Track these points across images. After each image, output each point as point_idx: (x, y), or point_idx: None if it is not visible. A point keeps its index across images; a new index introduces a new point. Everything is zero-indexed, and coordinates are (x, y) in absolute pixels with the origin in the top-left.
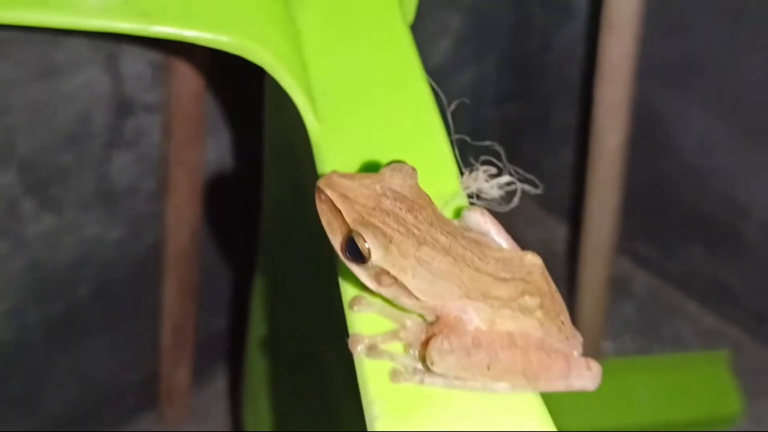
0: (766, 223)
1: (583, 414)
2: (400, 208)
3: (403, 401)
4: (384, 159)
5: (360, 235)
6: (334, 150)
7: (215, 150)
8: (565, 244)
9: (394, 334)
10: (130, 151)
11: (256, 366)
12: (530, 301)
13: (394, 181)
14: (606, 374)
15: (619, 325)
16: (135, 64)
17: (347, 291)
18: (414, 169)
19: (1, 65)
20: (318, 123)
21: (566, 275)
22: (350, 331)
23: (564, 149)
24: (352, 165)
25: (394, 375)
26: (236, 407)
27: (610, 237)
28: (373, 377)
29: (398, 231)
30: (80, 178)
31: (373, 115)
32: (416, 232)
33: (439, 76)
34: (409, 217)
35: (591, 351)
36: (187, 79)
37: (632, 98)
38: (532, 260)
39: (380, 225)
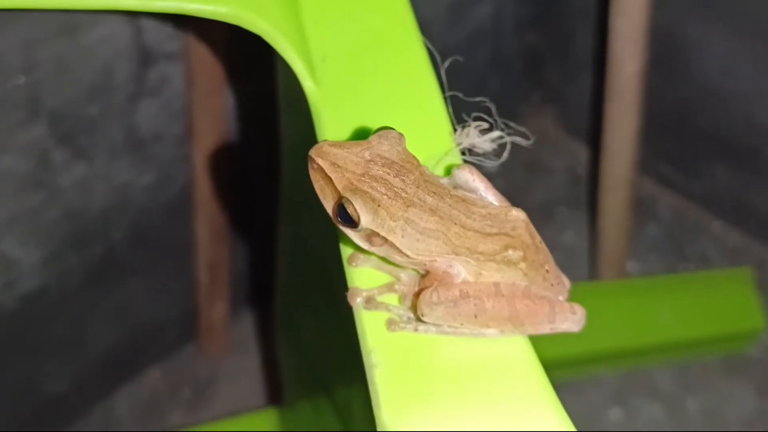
0: None
1: (606, 333)
2: (388, 173)
3: (400, 349)
4: (381, 120)
5: (349, 201)
6: (332, 113)
7: (238, 96)
8: (590, 168)
9: (389, 287)
10: (154, 99)
11: (287, 301)
12: (513, 254)
13: (382, 147)
14: (629, 293)
15: (644, 246)
16: (154, 15)
17: (345, 248)
18: (401, 135)
19: (24, 24)
20: (316, 87)
21: (589, 199)
22: (349, 285)
23: (586, 75)
24: (349, 127)
25: (390, 324)
26: (270, 339)
27: (630, 162)
28: (371, 327)
29: (386, 195)
30: (108, 128)
31: (370, 78)
32: (404, 194)
33: (459, 8)
34: (397, 181)
35: (615, 272)
36: (207, 27)
37: (649, 26)
38: (517, 215)
39: (369, 190)
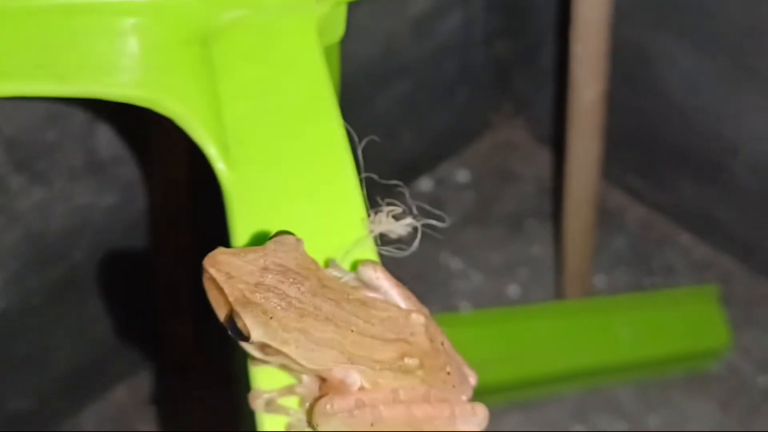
0: (752, 160)
1: (568, 352)
2: (283, 282)
3: None
4: (294, 208)
5: (239, 315)
6: (246, 197)
7: None
8: (559, 180)
9: (290, 389)
10: (113, 122)
11: None
12: (410, 362)
13: (278, 254)
14: (591, 312)
15: (611, 259)
16: None
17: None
18: (298, 240)
19: None
20: (230, 171)
21: (557, 212)
22: (251, 386)
23: (556, 84)
24: (263, 216)
25: (289, 428)
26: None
27: (593, 186)
28: (271, 429)
29: (279, 306)
30: (67, 152)
31: (285, 160)
32: (298, 304)
33: (426, 20)
34: (292, 290)
35: (579, 289)
36: None
37: (608, 52)
38: (416, 319)
39: (261, 302)
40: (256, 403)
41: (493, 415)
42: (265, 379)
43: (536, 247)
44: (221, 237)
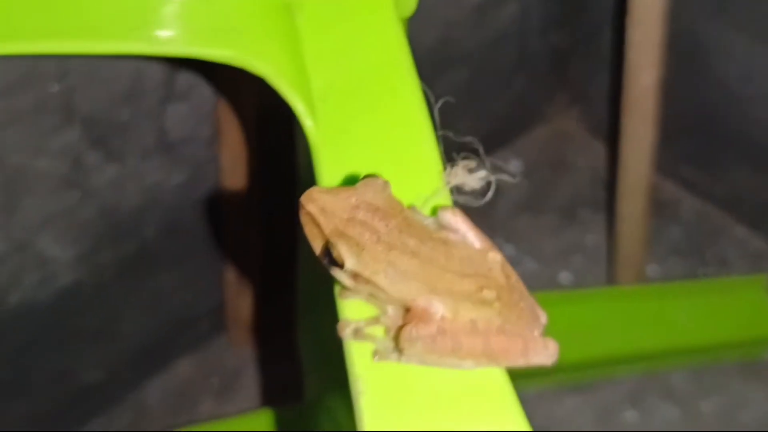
0: None
1: (623, 336)
2: (373, 218)
3: (384, 378)
4: (375, 159)
5: (335, 245)
6: (330, 151)
7: (265, 96)
8: (613, 170)
9: (376, 320)
10: (183, 103)
11: (305, 297)
12: (488, 294)
13: (367, 194)
14: (646, 297)
15: (665, 249)
16: None
17: (337, 284)
18: (386, 182)
19: None
20: (316, 128)
21: (611, 202)
22: (339, 317)
23: (611, 75)
24: (345, 164)
25: (376, 354)
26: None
27: (648, 171)
28: (359, 357)
29: (370, 239)
30: (139, 131)
31: (366, 117)
32: (386, 238)
33: (484, 9)
34: (381, 226)
35: (632, 276)
36: None
37: (665, 38)
38: (493, 257)
39: (353, 235)
40: (345, 332)
41: (548, 397)
42: (352, 310)
43: (589, 236)
44: (286, 215)
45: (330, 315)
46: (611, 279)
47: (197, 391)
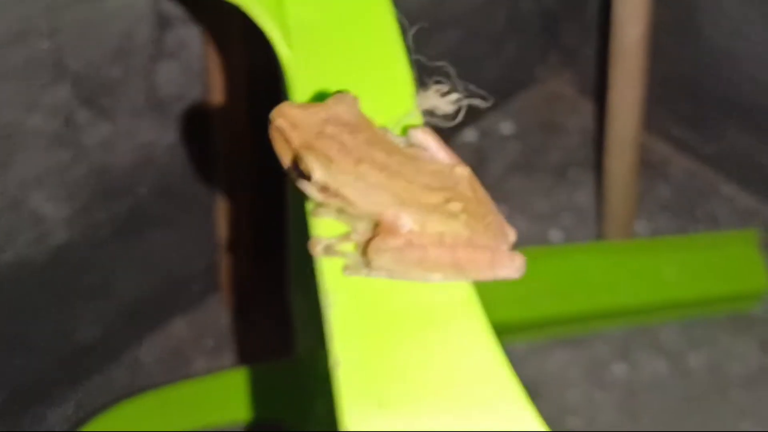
0: None
1: (612, 290)
2: (342, 132)
3: (354, 291)
4: (349, 83)
5: (303, 157)
6: (304, 77)
7: (254, 56)
8: (603, 129)
9: (346, 236)
10: (173, 61)
11: (297, 255)
12: (454, 206)
13: (337, 108)
14: (634, 252)
15: (655, 206)
16: None
17: (309, 202)
18: (356, 97)
19: None
20: (291, 53)
21: (601, 160)
22: (311, 234)
23: (603, 37)
24: (319, 89)
25: (346, 269)
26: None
27: (636, 125)
28: (329, 272)
29: (339, 152)
30: (130, 89)
31: (342, 44)
32: (355, 152)
33: None
34: (349, 139)
35: (621, 232)
36: None
37: None
38: (460, 172)
39: (322, 147)
40: (316, 249)
41: (538, 349)
42: (323, 228)
43: (580, 194)
44: (278, 175)
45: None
46: (601, 235)
47: (191, 349)
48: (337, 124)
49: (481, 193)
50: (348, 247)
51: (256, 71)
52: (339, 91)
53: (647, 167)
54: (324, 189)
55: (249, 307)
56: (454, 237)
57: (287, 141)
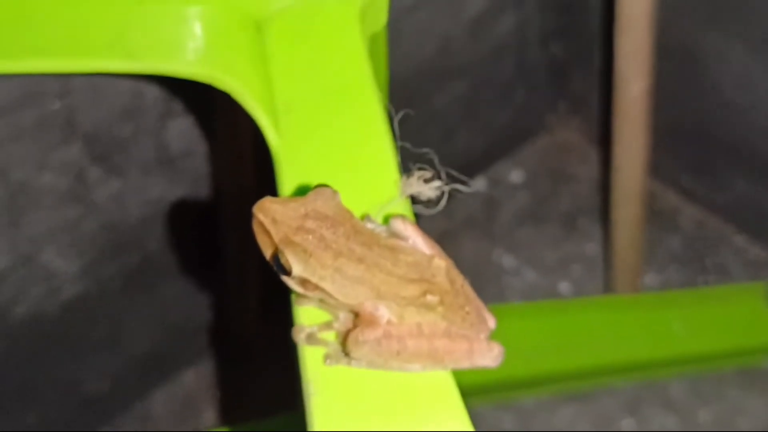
0: None
1: (620, 345)
2: (321, 226)
3: (334, 381)
4: (335, 171)
5: (282, 252)
6: (292, 163)
7: None
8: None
9: (328, 325)
10: (183, 118)
11: None
12: (431, 298)
13: (317, 203)
14: (643, 306)
15: (664, 258)
16: None
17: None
18: (335, 191)
19: None
20: (279, 139)
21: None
22: (294, 322)
23: (611, 84)
24: (307, 176)
25: (327, 358)
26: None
27: (641, 179)
28: (311, 361)
29: (318, 246)
30: (140, 146)
31: (328, 131)
32: (334, 245)
33: (482, 20)
34: (329, 234)
35: (629, 285)
36: None
37: (654, 45)
38: (438, 263)
39: (301, 242)
40: (299, 337)
41: (546, 405)
42: (306, 316)
43: (589, 245)
44: None
45: None
46: (610, 287)
47: (201, 401)
48: (316, 219)
49: (460, 282)
50: (329, 335)
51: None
52: (319, 185)
53: (657, 217)
54: (303, 282)
55: (257, 359)
56: (431, 327)
57: (268, 235)
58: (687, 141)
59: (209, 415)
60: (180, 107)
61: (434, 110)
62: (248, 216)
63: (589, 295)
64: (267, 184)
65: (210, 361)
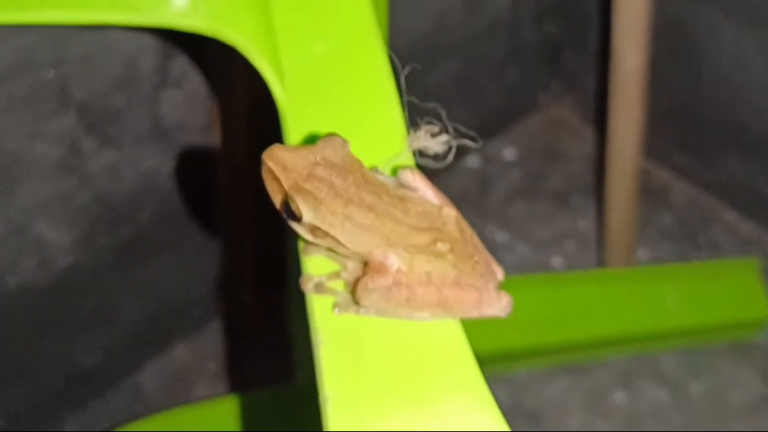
0: None
1: (613, 318)
2: (331, 174)
3: (343, 330)
4: (342, 124)
5: (293, 199)
6: (298, 116)
7: (256, 83)
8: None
9: (336, 274)
10: (177, 90)
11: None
12: (442, 246)
13: (326, 151)
14: (636, 280)
15: (656, 234)
16: None
17: (301, 241)
18: (345, 140)
19: None
20: (284, 93)
21: (602, 188)
22: (302, 272)
23: (604, 64)
24: (313, 128)
25: (336, 307)
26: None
27: (635, 154)
28: (320, 309)
29: (328, 193)
30: (134, 117)
31: (334, 85)
32: (344, 193)
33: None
34: (339, 181)
35: (621, 260)
36: None
37: (651, 21)
38: (447, 212)
39: (312, 189)
40: (307, 286)
41: (539, 377)
42: (314, 266)
43: (581, 221)
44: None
45: None
46: (602, 262)
47: (192, 375)
48: (326, 167)
49: (469, 233)
50: (338, 284)
51: (257, 101)
52: (329, 134)
53: (649, 194)
54: (313, 230)
55: (249, 332)
56: (441, 276)
57: (278, 182)
58: (680, 118)
59: (201, 389)
60: (175, 78)
61: (428, 87)
62: (242, 190)
63: (581, 269)
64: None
65: (202, 334)
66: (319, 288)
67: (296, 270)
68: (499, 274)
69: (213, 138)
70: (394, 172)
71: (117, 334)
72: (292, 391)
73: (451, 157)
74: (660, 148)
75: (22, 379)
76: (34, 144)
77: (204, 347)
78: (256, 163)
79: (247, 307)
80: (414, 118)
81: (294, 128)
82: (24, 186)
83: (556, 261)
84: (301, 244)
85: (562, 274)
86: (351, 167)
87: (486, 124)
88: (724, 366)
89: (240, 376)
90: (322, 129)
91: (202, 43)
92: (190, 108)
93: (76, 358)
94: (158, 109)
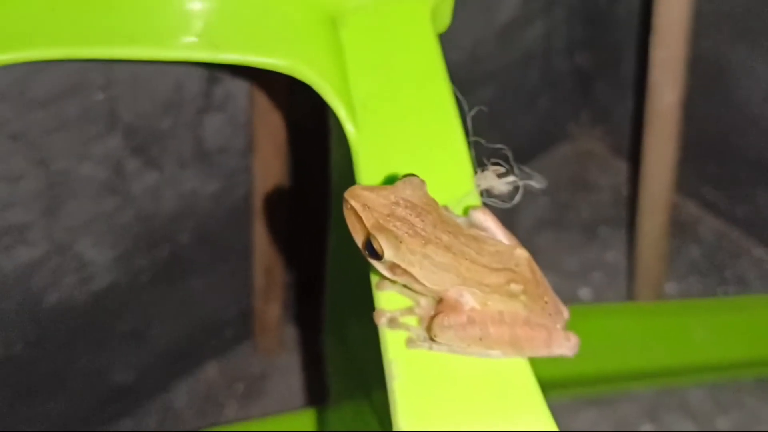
0: None
1: (641, 351)
2: (410, 214)
3: (416, 364)
4: (411, 162)
5: (375, 237)
6: (369, 154)
7: (296, 112)
8: (634, 189)
9: (410, 310)
10: (220, 114)
11: (333, 306)
12: (515, 287)
13: (406, 191)
14: (665, 314)
15: (684, 267)
16: None
17: (374, 275)
18: (422, 181)
19: None
20: (356, 131)
21: (631, 220)
22: (375, 306)
23: (634, 96)
24: (383, 167)
25: (409, 342)
26: (320, 339)
27: (668, 189)
28: (393, 343)
29: (407, 233)
30: (178, 140)
31: (403, 123)
32: (423, 233)
33: (511, 28)
34: (417, 221)
35: (651, 293)
36: None
37: (687, 58)
38: (520, 254)
39: (392, 228)
40: (381, 321)
41: (567, 410)
42: (387, 301)
43: (610, 253)
44: (314, 225)
45: (356, 319)
46: (630, 296)
47: (223, 394)
48: (405, 206)
49: (539, 274)
50: (411, 320)
51: (297, 126)
52: (407, 175)
53: (677, 227)
54: (393, 267)
55: (281, 354)
56: (513, 315)
57: (360, 221)
58: (710, 153)
59: (231, 410)
60: (218, 102)
61: (460, 115)
62: (278, 214)
63: (610, 302)
64: (300, 184)
65: (233, 355)
66: (393, 323)
67: (335, 288)
68: (566, 313)
69: (252, 161)
70: (465, 211)
71: (150, 352)
72: (324, 411)
73: (518, 197)
74: (689, 182)
75: (56, 394)
76: (80, 165)
77: (235, 368)
78: (294, 183)
79: (279, 326)
80: (481, 158)
81: (366, 164)
82: (69, 205)
83: (584, 292)
84: (374, 279)
85: (590, 305)
86: (429, 207)
87: (516, 152)
88: (751, 401)
89: (270, 397)
90: (393, 165)
91: (245, 69)
92: (231, 132)
93: (109, 375)
94: (201, 132)
